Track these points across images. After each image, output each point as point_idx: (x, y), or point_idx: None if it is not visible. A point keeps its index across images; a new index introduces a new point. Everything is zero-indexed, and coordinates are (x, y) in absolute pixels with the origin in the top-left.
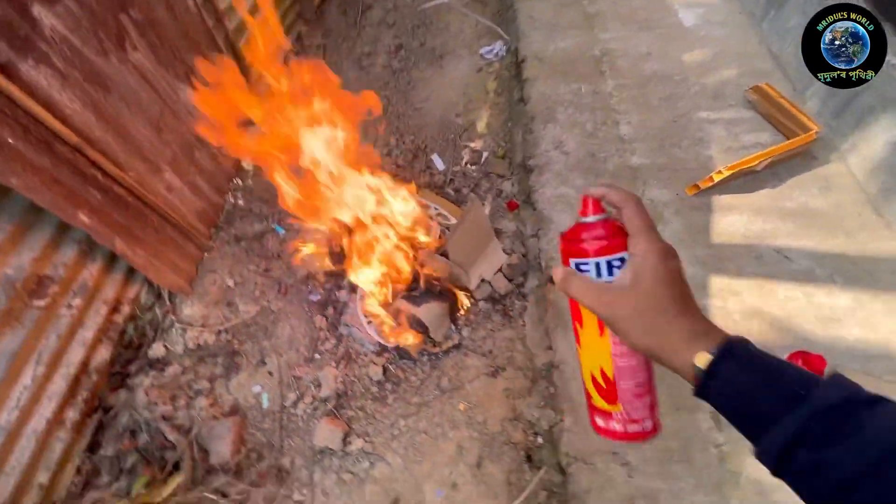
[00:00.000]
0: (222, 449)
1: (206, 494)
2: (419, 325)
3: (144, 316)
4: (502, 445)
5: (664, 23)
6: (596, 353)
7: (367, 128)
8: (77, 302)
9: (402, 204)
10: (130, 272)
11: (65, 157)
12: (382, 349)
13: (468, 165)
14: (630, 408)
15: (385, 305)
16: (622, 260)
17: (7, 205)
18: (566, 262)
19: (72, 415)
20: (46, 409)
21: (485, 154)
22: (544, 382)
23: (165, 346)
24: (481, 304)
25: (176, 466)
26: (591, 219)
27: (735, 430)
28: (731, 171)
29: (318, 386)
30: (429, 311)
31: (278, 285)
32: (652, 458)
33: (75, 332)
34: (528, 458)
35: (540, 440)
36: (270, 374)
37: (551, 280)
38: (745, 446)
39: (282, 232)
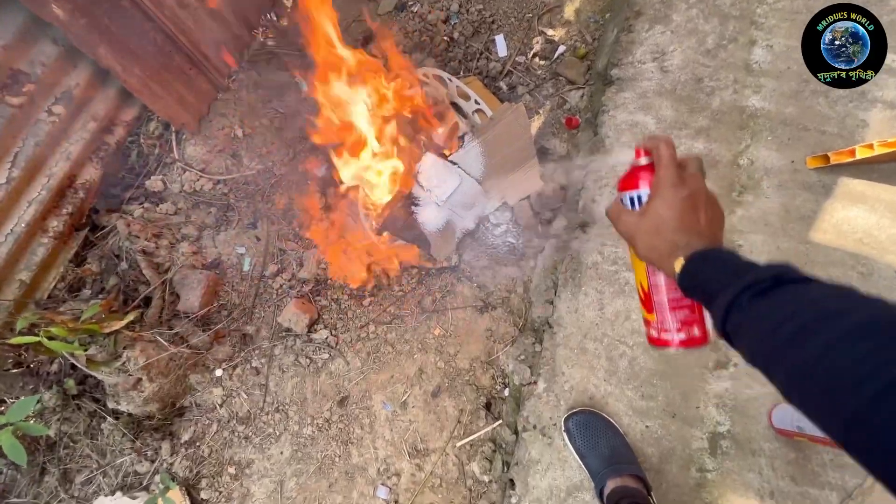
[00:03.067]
0: (192, 298)
1: (160, 339)
2: (420, 239)
3: (148, 144)
4: (465, 384)
5: None
6: (638, 270)
7: None
8: (59, 110)
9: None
10: (129, 91)
11: None
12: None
13: (535, 58)
14: (662, 318)
15: (386, 208)
16: (640, 197)
17: None
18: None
19: (55, 224)
20: (26, 213)
21: (561, 48)
22: (532, 337)
23: (164, 181)
24: (494, 229)
25: (146, 302)
26: (636, 163)
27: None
28: (886, 150)
29: (301, 265)
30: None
31: (288, 149)
32: None
33: (58, 143)
34: (487, 406)
35: (506, 393)
36: (258, 238)
37: (582, 226)
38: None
39: (304, 88)
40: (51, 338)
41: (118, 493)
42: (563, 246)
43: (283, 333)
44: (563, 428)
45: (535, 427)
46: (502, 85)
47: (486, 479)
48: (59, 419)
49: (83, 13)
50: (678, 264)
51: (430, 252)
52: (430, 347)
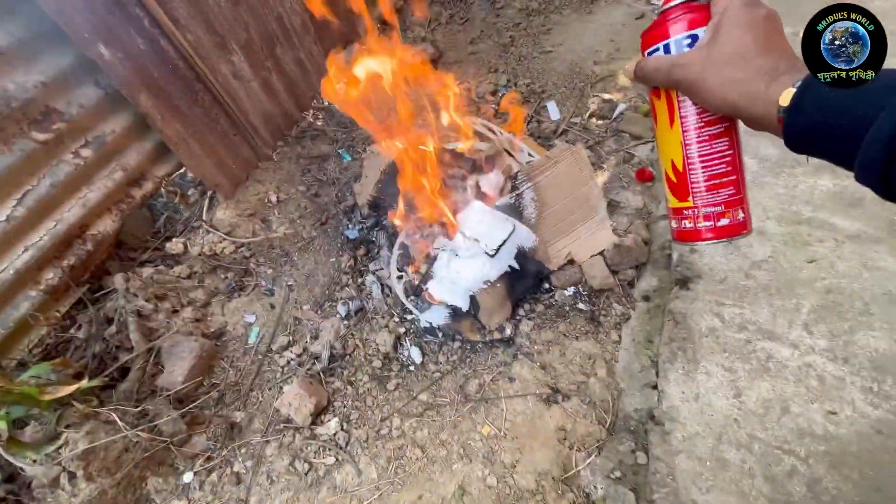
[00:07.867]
0: (177, 370)
1: (116, 418)
2: (463, 304)
3: (182, 207)
4: None
5: None
6: (668, 147)
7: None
8: (87, 153)
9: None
10: (166, 147)
11: None
12: (405, 313)
13: (592, 119)
14: (701, 201)
15: (423, 265)
16: (693, 37)
17: (21, 9)
18: None
19: (50, 277)
20: (19, 259)
21: (621, 107)
22: (629, 440)
23: (185, 244)
24: (559, 294)
25: (123, 373)
26: (666, 6)
27: None
28: None
29: (315, 337)
30: (485, 288)
31: (321, 213)
32: None
33: (77, 189)
34: None
35: None
36: (272, 307)
37: (682, 283)
38: None
39: (347, 159)
40: None
41: None
42: (658, 311)
43: (281, 425)
44: None
45: None
46: (557, 143)
47: None
48: None
49: (133, 62)
50: (784, 97)
51: (478, 317)
52: (477, 453)
